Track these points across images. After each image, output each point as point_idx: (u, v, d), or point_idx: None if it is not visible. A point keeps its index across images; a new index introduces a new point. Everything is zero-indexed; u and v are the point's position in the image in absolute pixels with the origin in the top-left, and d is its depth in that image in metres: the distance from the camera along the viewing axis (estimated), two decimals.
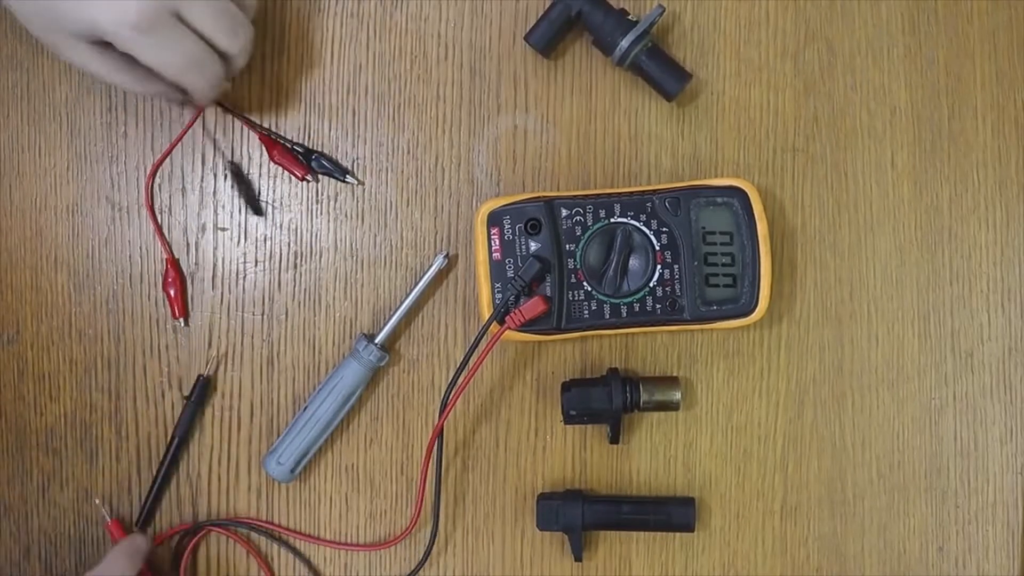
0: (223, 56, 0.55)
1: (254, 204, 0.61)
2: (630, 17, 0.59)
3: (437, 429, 0.58)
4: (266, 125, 0.62)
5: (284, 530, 0.62)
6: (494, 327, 0.58)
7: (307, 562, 0.62)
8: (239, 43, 0.55)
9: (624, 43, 0.59)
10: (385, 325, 0.61)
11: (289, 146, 0.62)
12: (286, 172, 0.62)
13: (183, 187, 0.62)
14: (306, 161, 0.62)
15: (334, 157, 0.62)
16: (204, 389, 0.62)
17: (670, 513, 0.60)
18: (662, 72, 0.60)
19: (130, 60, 0.54)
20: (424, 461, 0.60)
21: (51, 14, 0.52)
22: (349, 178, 0.62)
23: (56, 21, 0.52)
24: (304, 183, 0.62)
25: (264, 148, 0.62)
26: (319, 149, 0.62)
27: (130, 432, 0.62)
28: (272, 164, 0.62)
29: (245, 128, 0.62)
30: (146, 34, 0.51)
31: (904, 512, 0.63)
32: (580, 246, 0.58)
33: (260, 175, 0.62)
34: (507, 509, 0.63)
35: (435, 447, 0.59)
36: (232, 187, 0.61)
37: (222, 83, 0.56)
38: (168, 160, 0.62)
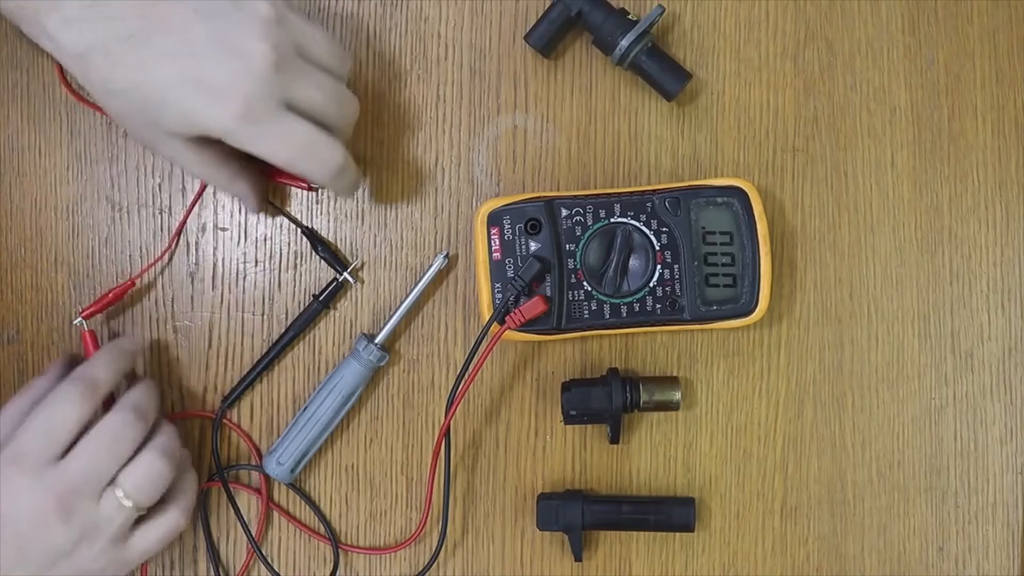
0: (335, 132, 0.54)
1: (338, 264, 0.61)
2: (630, 17, 0.59)
3: (443, 431, 0.58)
4: None
5: (291, 518, 0.62)
6: (494, 327, 0.58)
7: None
8: (348, 117, 0.54)
9: (624, 43, 0.59)
10: (385, 325, 0.61)
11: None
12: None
13: (183, 187, 0.62)
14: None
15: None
16: (335, 291, 0.61)
17: (670, 513, 0.60)
18: (662, 72, 0.60)
19: (224, 156, 0.53)
20: (432, 463, 0.60)
21: (151, 113, 0.50)
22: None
23: (156, 121, 0.51)
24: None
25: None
26: None
27: None
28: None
29: None
30: (254, 124, 0.50)
31: (904, 512, 0.63)
32: (580, 246, 0.58)
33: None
34: (507, 509, 0.63)
35: (442, 449, 0.59)
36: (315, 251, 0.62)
37: (349, 171, 0.54)
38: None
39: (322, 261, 0.62)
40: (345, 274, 0.61)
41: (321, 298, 0.61)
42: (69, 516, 0.51)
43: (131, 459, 0.53)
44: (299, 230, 0.62)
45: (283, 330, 0.62)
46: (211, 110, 0.49)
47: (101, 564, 0.52)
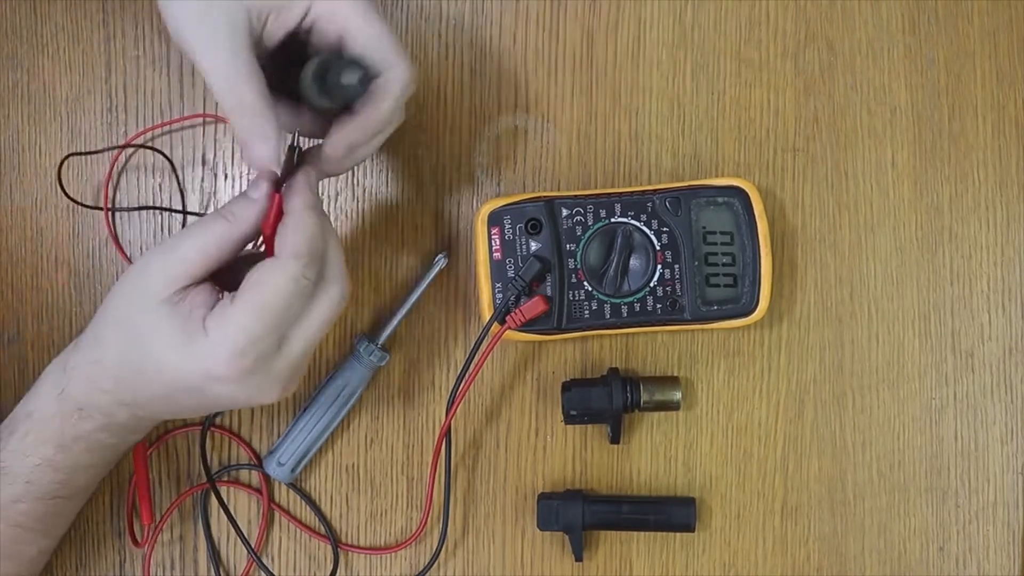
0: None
1: None
2: None
3: (443, 431, 0.58)
4: None
5: (291, 518, 0.62)
6: (495, 327, 0.58)
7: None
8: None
9: None
10: (385, 325, 0.61)
11: None
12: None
13: (181, 188, 0.62)
14: None
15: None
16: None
17: (670, 513, 0.60)
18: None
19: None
20: (432, 463, 0.60)
21: None
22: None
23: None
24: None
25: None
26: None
27: None
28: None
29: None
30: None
31: (904, 512, 0.63)
32: (580, 246, 0.58)
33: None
34: (507, 509, 0.62)
35: (442, 449, 0.59)
36: None
37: None
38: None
39: None
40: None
41: None
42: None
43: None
44: None
45: None
46: None
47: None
